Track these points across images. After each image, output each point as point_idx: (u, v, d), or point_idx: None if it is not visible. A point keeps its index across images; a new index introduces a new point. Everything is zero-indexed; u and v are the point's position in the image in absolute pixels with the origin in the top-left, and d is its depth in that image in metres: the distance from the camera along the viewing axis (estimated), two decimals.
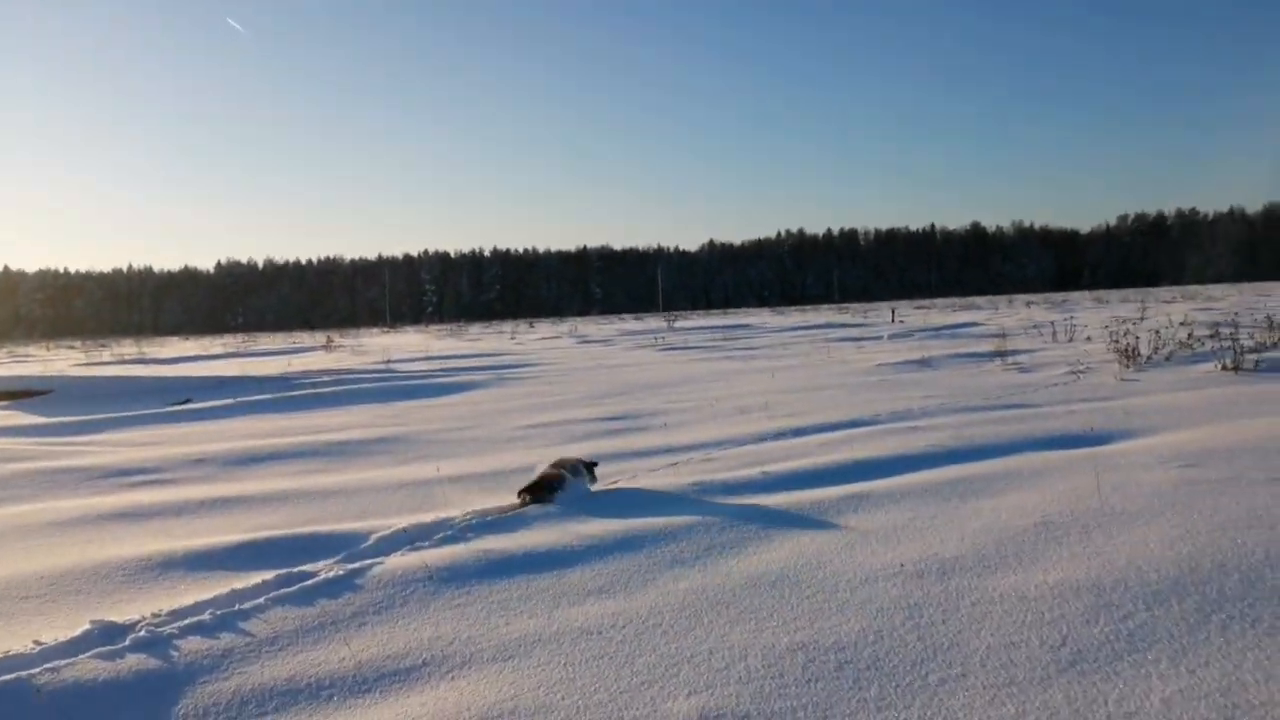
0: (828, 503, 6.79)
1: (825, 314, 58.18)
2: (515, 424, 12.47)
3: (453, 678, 4.16)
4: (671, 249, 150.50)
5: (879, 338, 26.82)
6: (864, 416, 11.20)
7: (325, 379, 19.15)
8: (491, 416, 13.47)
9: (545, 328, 59.94)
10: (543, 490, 7.43)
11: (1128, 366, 15.12)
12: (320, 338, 48.88)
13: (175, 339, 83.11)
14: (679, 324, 47.25)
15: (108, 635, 4.72)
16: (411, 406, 15.25)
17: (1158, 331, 16.46)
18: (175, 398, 17.66)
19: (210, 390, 18.80)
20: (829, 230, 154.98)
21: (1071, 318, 30.36)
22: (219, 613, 5.13)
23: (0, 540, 7.09)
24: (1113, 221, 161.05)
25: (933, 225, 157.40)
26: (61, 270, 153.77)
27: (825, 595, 4.86)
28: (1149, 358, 15.69)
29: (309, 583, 5.58)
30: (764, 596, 4.90)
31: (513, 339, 41.13)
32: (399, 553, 6.19)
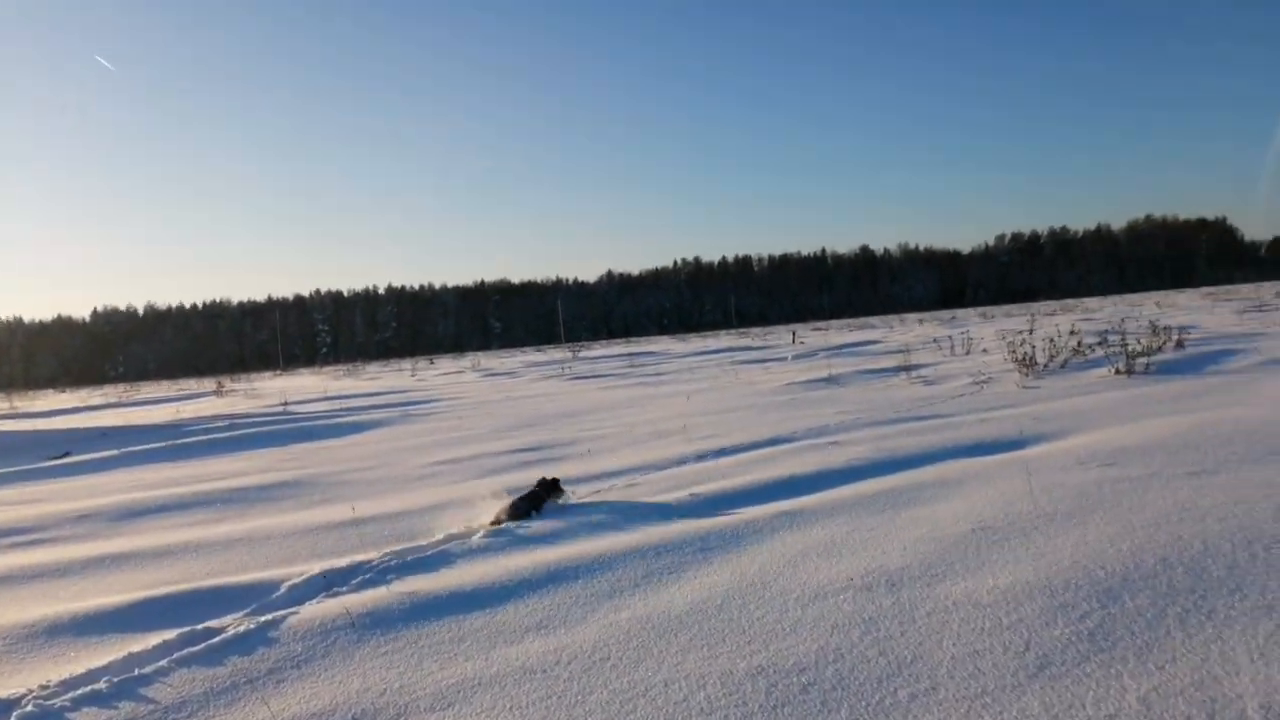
0: (761, 521, 6.63)
1: (726, 339, 58.73)
2: (424, 460, 12.01)
3: None
4: (570, 280, 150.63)
5: (783, 359, 27.11)
6: (782, 435, 11.16)
7: (219, 424, 18.20)
8: (398, 455, 12.95)
9: (446, 363, 58.88)
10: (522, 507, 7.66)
11: (1027, 374, 15.57)
12: (210, 383, 46.83)
13: (50, 391, 78.54)
14: (583, 354, 47.00)
15: None
16: (312, 449, 14.58)
17: (1052, 340, 17.02)
18: (53, 451, 16.50)
19: (92, 442, 17.66)
20: (724, 258, 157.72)
21: (966, 332, 31.35)
22: (115, 680, 4.63)
23: None
24: (991, 241, 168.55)
25: (823, 250, 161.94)
26: None
27: (776, 615, 4.67)
28: (1046, 365, 16.21)
29: (216, 640, 5.12)
30: (713, 621, 4.69)
31: (413, 375, 40.13)
32: (315, 600, 5.76)
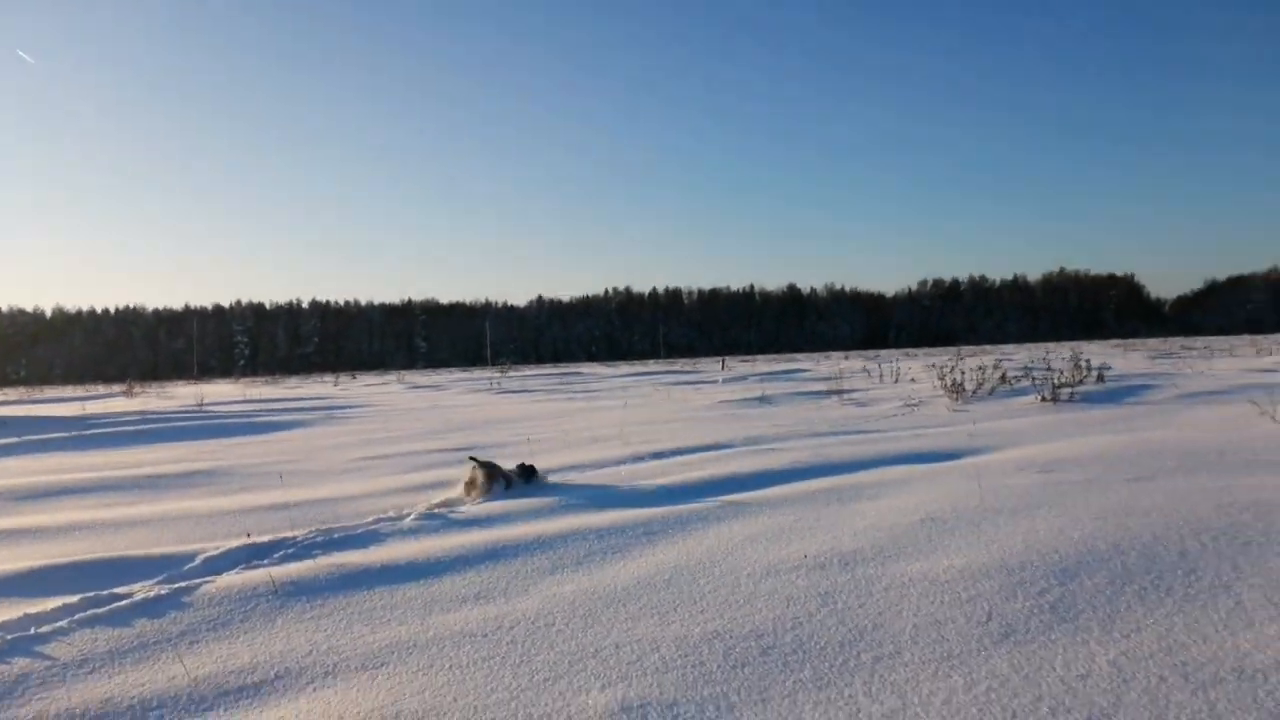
0: (706, 511, 6.48)
1: (656, 366, 58.77)
2: (350, 456, 11.57)
3: (315, 689, 3.52)
4: (500, 303, 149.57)
5: (715, 382, 27.11)
6: (720, 441, 11.04)
7: (128, 418, 17.36)
8: (323, 451, 12.46)
9: (371, 378, 57.71)
10: (496, 473, 7.77)
11: (956, 400, 15.79)
12: (119, 387, 44.97)
13: None
14: (512, 373, 46.47)
15: None
16: (231, 443, 13.96)
17: (981, 368, 17.31)
18: None
19: None
20: (655, 289, 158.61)
21: (895, 364, 31.83)
22: (9, 637, 4.23)
23: None
24: (914, 286, 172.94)
25: (752, 286, 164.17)
26: None
27: (729, 589, 4.50)
28: (974, 392, 16.46)
29: (123, 603, 4.74)
30: (661, 594, 4.50)
31: (336, 385, 39.16)
32: (234, 571, 5.40)
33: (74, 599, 4.78)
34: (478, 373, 55.49)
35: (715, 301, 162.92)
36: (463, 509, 7.10)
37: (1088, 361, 19.13)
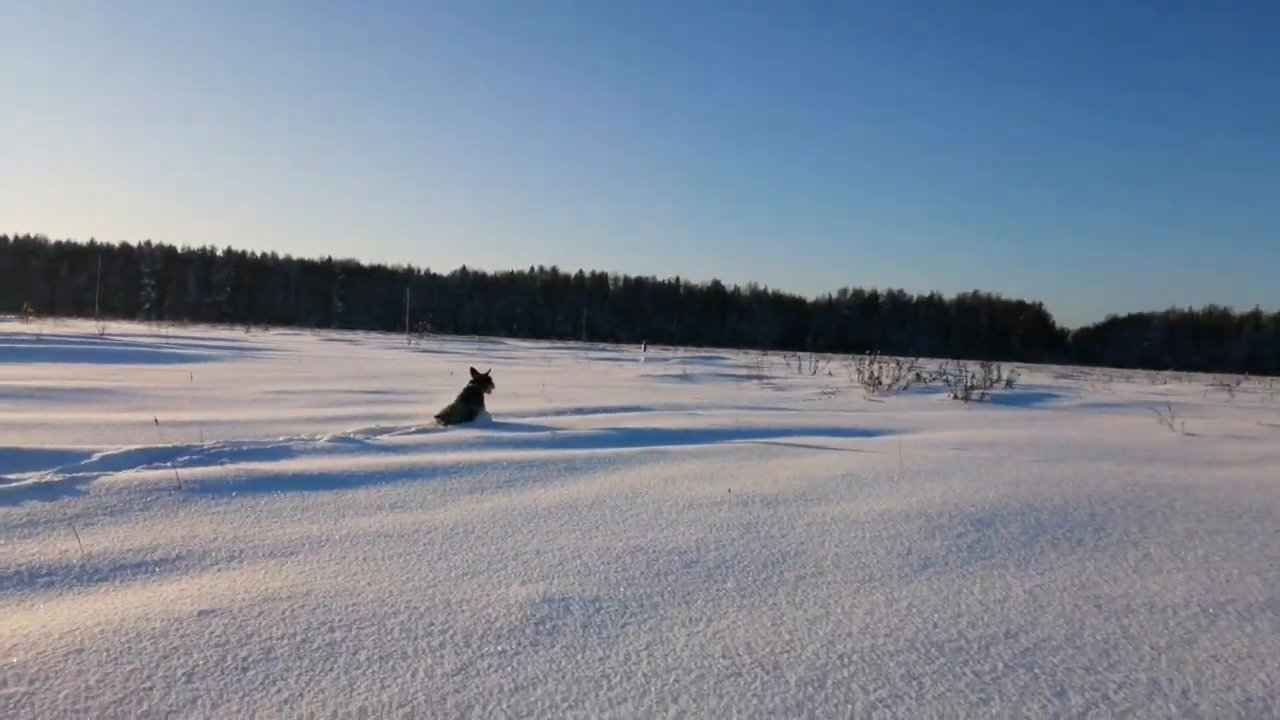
0: (629, 455, 6.43)
1: (577, 344, 58.57)
2: (262, 390, 11.19)
3: (220, 570, 3.35)
4: (422, 270, 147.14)
5: (636, 360, 27.15)
6: (641, 404, 11.03)
7: (23, 338, 16.51)
8: (233, 383, 12.04)
9: (285, 330, 56.17)
10: (460, 408, 8.15)
11: (873, 391, 16.10)
12: (13, 316, 42.80)
13: None
14: (431, 338, 45.73)
15: None
16: (134, 369, 13.39)
17: (898, 364, 17.67)
18: None
19: None
20: (581, 271, 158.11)
21: (813, 360, 32.36)
22: None
23: None
24: (835, 294, 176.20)
25: (678, 278, 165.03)
26: None
27: (651, 515, 4.46)
28: (890, 386, 16.81)
29: (12, 486, 4.46)
30: (584, 514, 4.43)
31: (248, 333, 38.01)
32: (135, 469, 5.14)
33: None
34: (395, 337, 54.49)
35: (640, 290, 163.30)
36: (381, 437, 6.92)
37: (998, 369, 19.71)
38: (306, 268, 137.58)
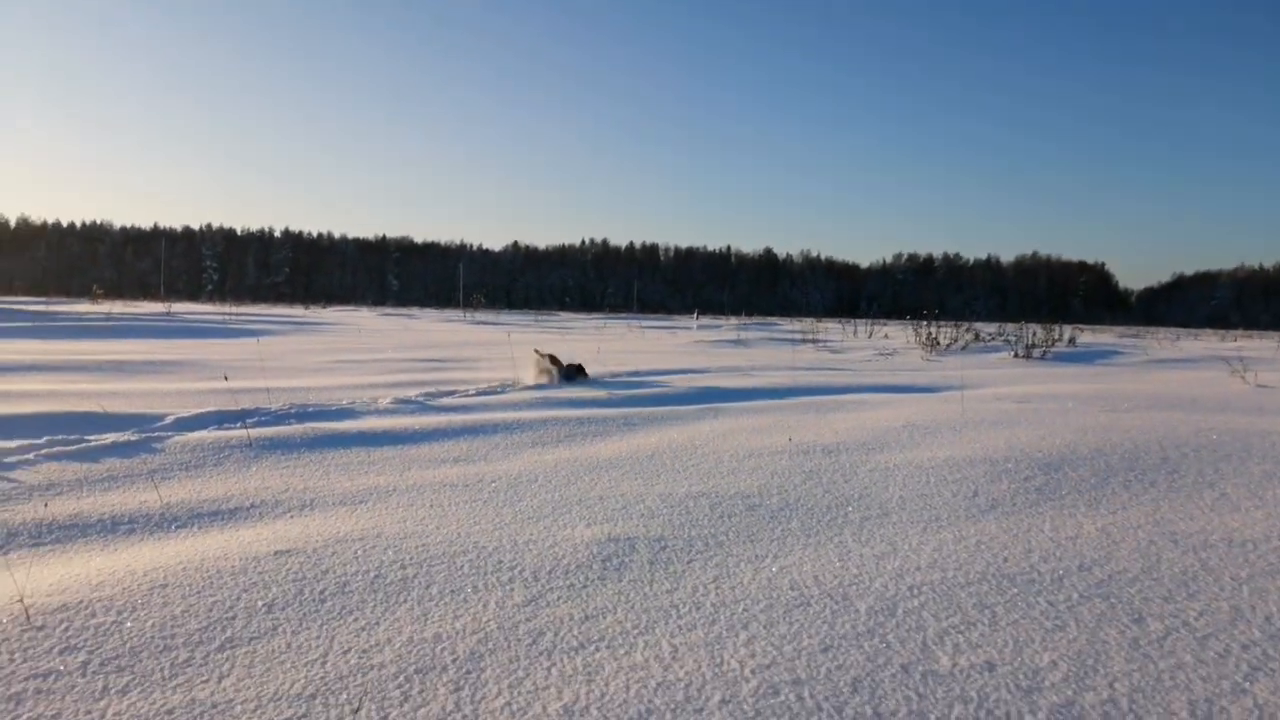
0: (685, 413, 6.42)
1: (629, 315, 58.63)
2: (323, 359, 11.40)
3: (292, 516, 3.44)
4: (474, 246, 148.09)
5: (689, 328, 27.13)
6: (695, 367, 11.01)
7: (94, 317, 17.01)
8: (295, 354, 12.28)
9: (342, 307, 57.15)
10: (569, 369, 8.84)
11: (931, 351, 15.88)
12: (85, 299, 44.11)
13: None
14: (485, 312, 46.13)
15: None
16: (201, 343, 13.72)
17: (956, 325, 17.40)
18: None
19: None
20: (631, 243, 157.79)
21: (869, 324, 32.05)
22: None
23: None
24: (889, 259, 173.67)
25: (729, 247, 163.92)
26: None
27: (711, 464, 4.46)
28: (948, 346, 16.57)
29: (91, 444, 4.61)
30: (644, 464, 4.45)
31: (306, 309, 38.74)
32: (206, 429, 5.28)
33: (39, 440, 4.65)
34: (450, 311, 55.10)
35: (691, 260, 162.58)
36: (442, 399, 7.01)
37: (1060, 328, 19.30)
38: (362, 246, 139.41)
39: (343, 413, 6.17)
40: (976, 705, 1.92)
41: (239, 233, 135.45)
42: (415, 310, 49.09)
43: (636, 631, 2.28)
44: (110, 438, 4.78)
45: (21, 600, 2.37)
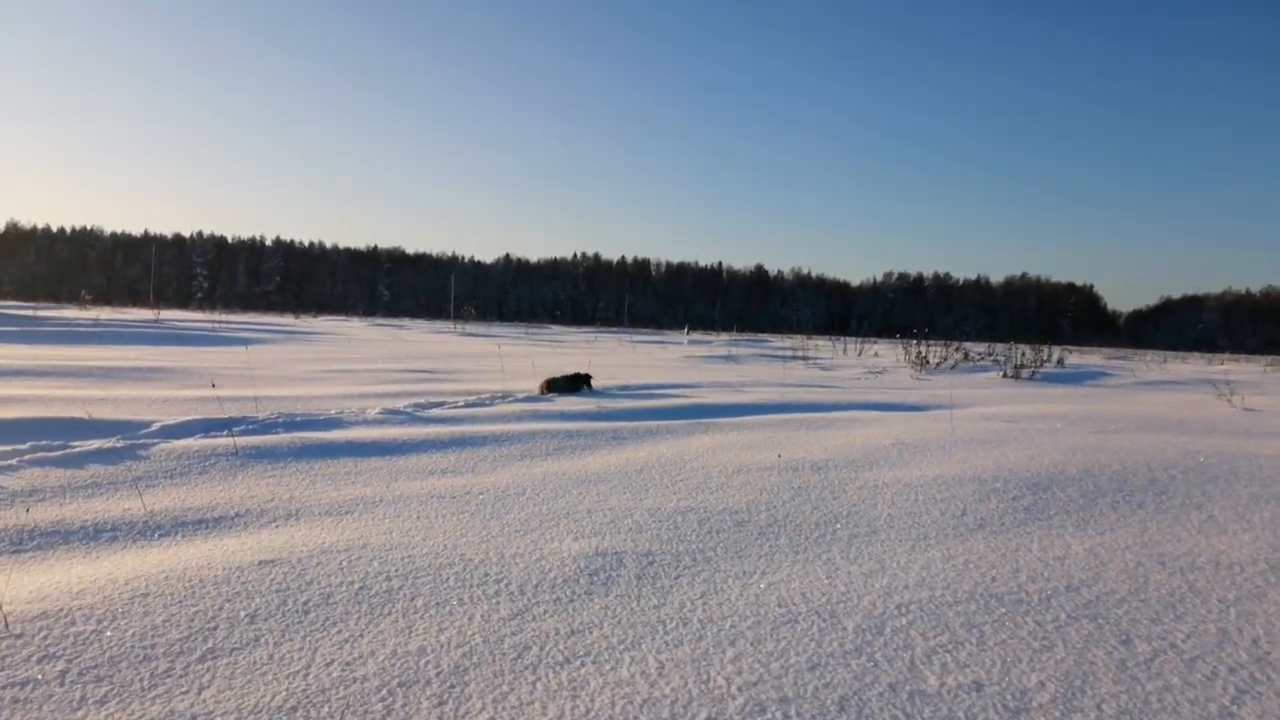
0: (675, 427, 6.41)
1: (620, 330, 58.63)
2: (311, 369, 11.36)
3: (277, 526, 3.41)
4: (466, 258, 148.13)
5: (680, 343, 27.14)
6: (686, 382, 11.01)
7: (82, 322, 16.92)
8: (285, 363, 12.23)
9: (333, 316, 57.01)
10: (564, 383, 8.94)
11: (920, 370, 15.92)
12: (73, 305, 43.89)
13: None
14: (476, 324, 46.04)
15: None
16: (190, 350, 13.66)
17: (946, 344, 17.45)
18: None
19: None
20: (623, 258, 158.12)
21: (859, 343, 32.13)
22: None
23: None
24: (879, 277, 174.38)
25: (720, 263, 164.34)
26: None
27: (700, 479, 4.45)
28: (937, 365, 16.61)
29: (75, 451, 4.57)
30: (633, 478, 4.43)
31: (297, 318, 38.61)
32: (192, 437, 5.24)
33: (23, 446, 4.60)
34: (441, 323, 55.00)
35: (682, 275, 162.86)
36: (430, 411, 6.98)
37: (1049, 349, 19.38)
38: (353, 256, 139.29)
39: (331, 422, 6.14)
40: None
41: (230, 240, 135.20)
42: (406, 321, 49.04)
43: (623, 647, 2.26)
44: (95, 444, 4.75)
45: (0, 608, 2.34)
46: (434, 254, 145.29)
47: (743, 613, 2.52)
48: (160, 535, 3.26)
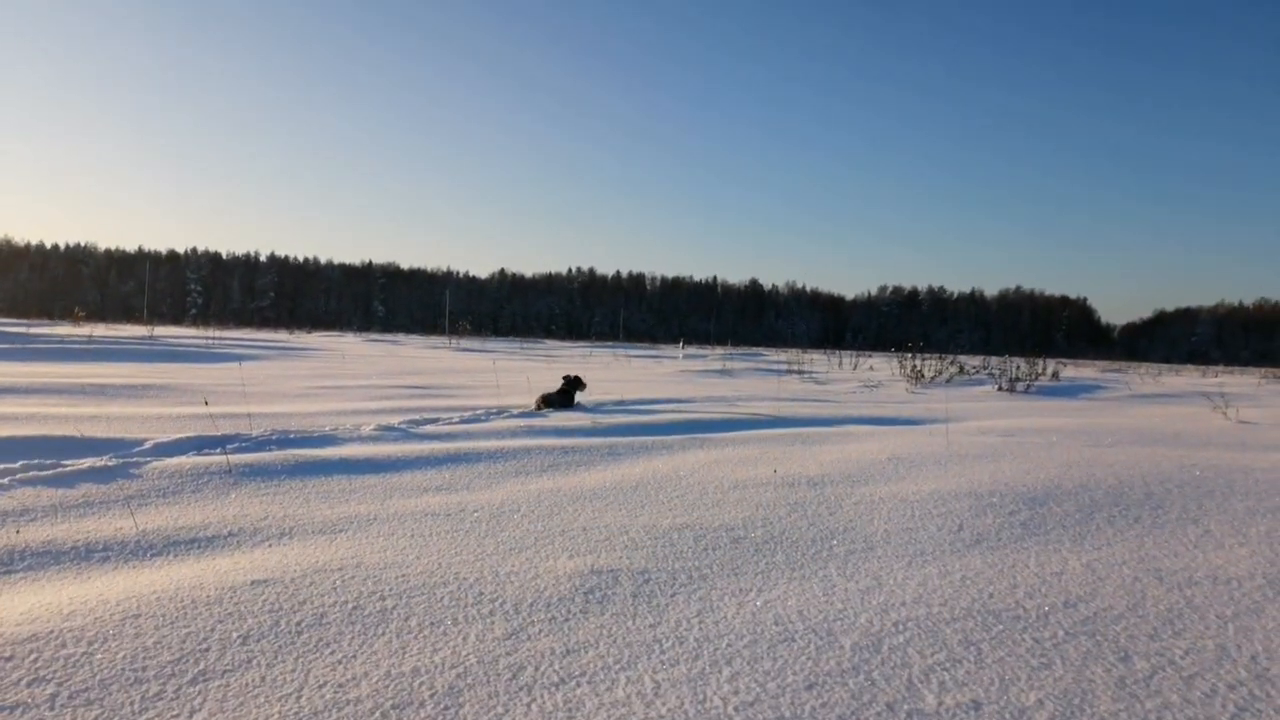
0: (671, 443, 6.40)
1: (615, 344, 58.65)
2: (305, 385, 11.33)
3: (270, 545, 3.39)
4: (461, 273, 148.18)
5: (675, 358, 27.14)
6: (681, 396, 11.00)
7: (76, 339, 16.86)
8: (278, 379, 12.20)
9: (327, 332, 56.94)
10: (558, 398, 8.90)
11: (915, 384, 15.93)
12: (66, 321, 43.78)
13: None
14: (471, 339, 46.05)
15: None
16: (183, 367, 13.62)
17: (941, 357, 17.47)
18: None
19: None
20: (618, 272, 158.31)
21: (854, 356, 32.17)
22: None
23: None
24: (874, 291, 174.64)
25: (715, 278, 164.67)
26: None
27: (696, 495, 4.44)
28: (932, 379, 16.62)
29: (68, 470, 4.54)
30: (628, 495, 4.42)
31: (291, 334, 38.56)
32: (185, 455, 5.22)
33: (15, 465, 4.58)
34: (435, 338, 55.00)
35: (677, 290, 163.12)
36: (425, 427, 6.96)
37: (1043, 362, 19.42)
38: (347, 272, 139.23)
39: (325, 439, 6.11)
40: None
41: (225, 256, 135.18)
42: (401, 336, 49.03)
43: (618, 667, 2.25)
44: (87, 463, 4.72)
45: None
46: (429, 269, 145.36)
47: (739, 631, 2.50)
48: (152, 555, 3.24)
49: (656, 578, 2.99)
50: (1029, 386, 15.40)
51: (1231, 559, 3.39)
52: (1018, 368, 16.88)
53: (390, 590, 2.78)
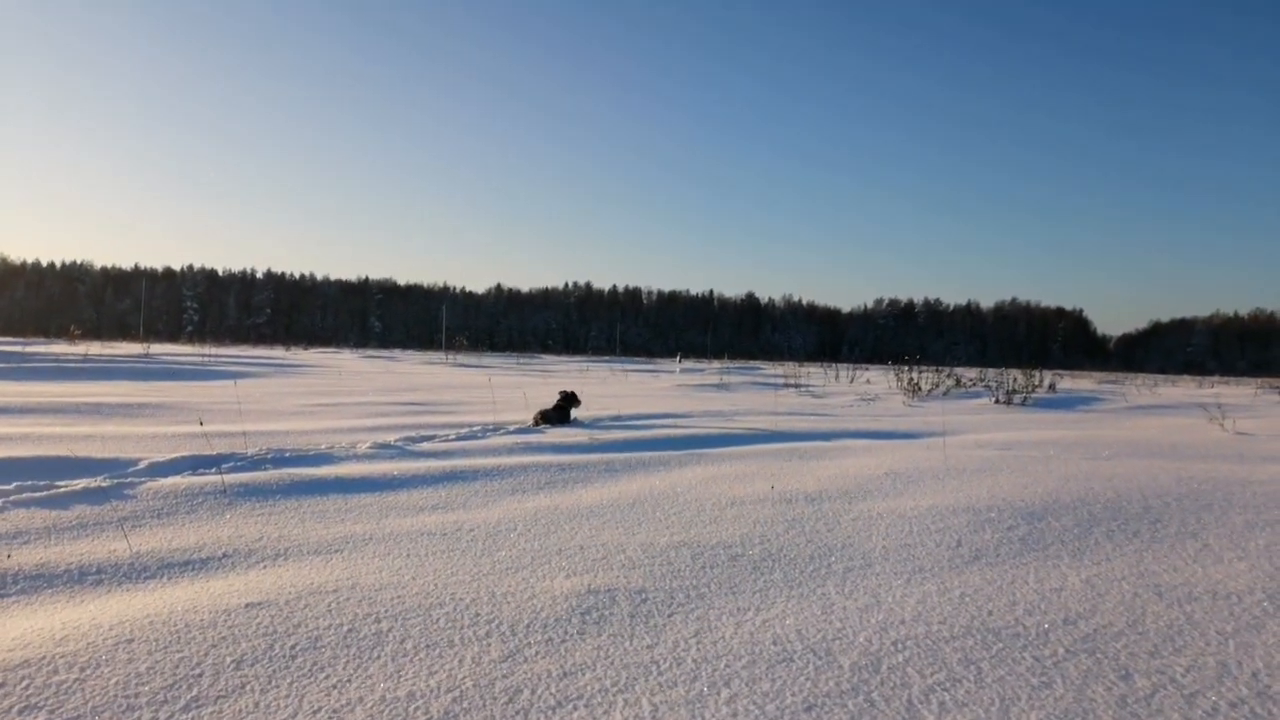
0: (668, 458, 6.38)
1: (611, 358, 58.69)
2: (301, 402, 11.30)
3: (265, 566, 3.36)
4: (458, 288, 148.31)
5: (672, 371, 27.14)
6: (678, 411, 10.99)
7: (71, 358, 16.82)
8: (275, 397, 12.18)
9: (324, 349, 56.92)
10: (555, 414, 8.95)
11: (912, 397, 15.92)
12: (62, 340, 43.73)
13: None
14: (468, 354, 46.05)
15: None
16: (179, 385, 13.58)
17: (937, 370, 17.48)
18: None
19: None
20: (614, 286, 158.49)
21: (850, 370, 32.21)
22: None
23: None
24: (870, 304, 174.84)
25: (711, 291, 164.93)
26: None
27: (693, 512, 4.42)
28: (929, 391, 16.62)
29: (61, 491, 4.52)
30: (625, 512, 4.40)
31: (287, 351, 38.52)
32: (180, 475, 5.19)
33: (8, 486, 4.56)
34: (432, 354, 54.96)
35: (674, 304, 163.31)
36: (421, 444, 6.94)
37: (1040, 374, 19.43)
38: (344, 288, 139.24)
39: (320, 458, 6.09)
40: None
41: (221, 273, 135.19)
42: (397, 352, 48.99)
43: (615, 689, 2.23)
44: (81, 483, 4.69)
45: None
46: (425, 285, 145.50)
47: (737, 651, 2.49)
48: (146, 577, 3.22)
49: (654, 597, 2.97)
50: (1026, 399, 15.40)
51: (1231, 573, 3.38)
52: (1014, 380, 16.88)
53: (386, 612, 2.76)
